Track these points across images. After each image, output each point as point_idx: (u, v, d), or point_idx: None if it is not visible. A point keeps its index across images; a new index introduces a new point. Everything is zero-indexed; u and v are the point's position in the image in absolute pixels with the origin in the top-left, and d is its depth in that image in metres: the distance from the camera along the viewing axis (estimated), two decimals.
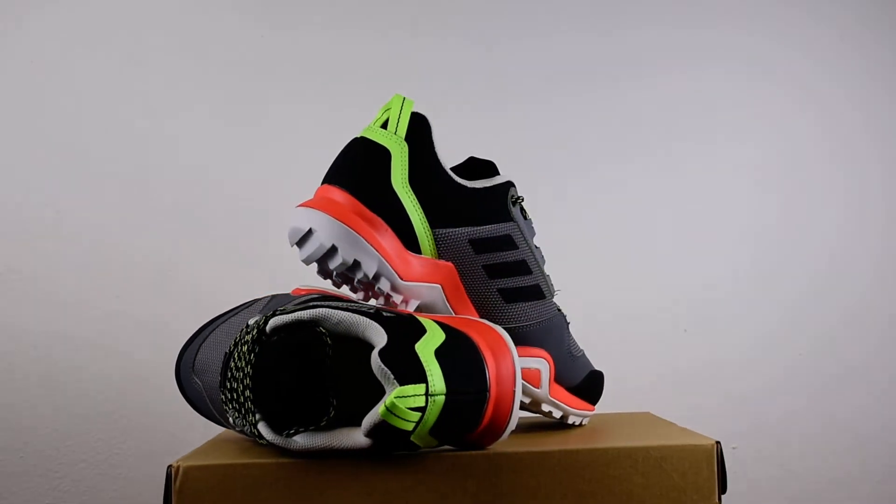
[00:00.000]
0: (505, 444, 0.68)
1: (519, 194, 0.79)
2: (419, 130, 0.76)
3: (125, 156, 1.14)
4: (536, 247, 0.79)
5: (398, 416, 0.62)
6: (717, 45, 1.26)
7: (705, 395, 1.21)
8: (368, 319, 0.66)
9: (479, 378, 0.65)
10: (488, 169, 0.80)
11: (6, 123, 1.12)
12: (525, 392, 0.77)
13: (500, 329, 0.69)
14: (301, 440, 0.65)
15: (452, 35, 1.23)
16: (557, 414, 0.78)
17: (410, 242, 0.74)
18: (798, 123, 1.26)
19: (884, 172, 1.26)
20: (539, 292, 0.78)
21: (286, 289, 0.85)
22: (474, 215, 0.76)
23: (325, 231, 0.72)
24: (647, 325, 1.22)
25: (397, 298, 0.74)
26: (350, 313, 0.66)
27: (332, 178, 0.75)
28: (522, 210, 0.79)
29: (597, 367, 0.82)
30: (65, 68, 1.14)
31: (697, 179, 1.25)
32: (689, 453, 0.65)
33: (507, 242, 0.76)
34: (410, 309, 0.74)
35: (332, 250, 0.72)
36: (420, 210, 0.74)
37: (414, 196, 0.74)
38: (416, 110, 0.77)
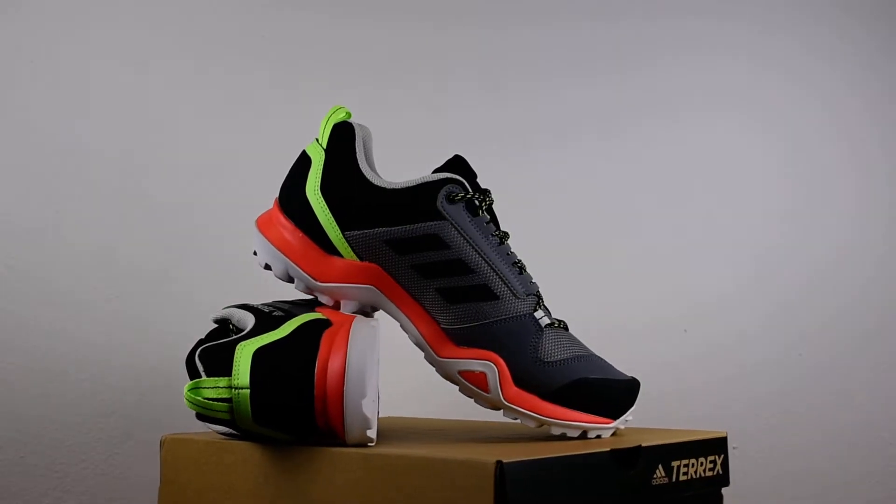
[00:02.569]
0: (377, 444, 0.72)
1: (467, 192, 0.77)
2: (339, 138, 0.79)
3: (125, 156, 1.14)
4: (501, 244, 0.78)
5: (198, 406, 0.72)
6: (718, 36, 1.27)
7: (705, 395, 1.21)
8: (253, 318, 0.76)
9: (303, 377, 0.70)
10: (459, 167, 0.79)
11: (6, 123, 1.12)
12: (478, 396, 0.76)
13: (358, 329, 0.73)
14: (221, 426, 0.76)
15: (448, 26, 1.23)
16: (530, 423, 0.76)
17: (327, 246, 0.78)
18: (800, 117, 1.26)
19: (889, 166, 1.26)
20: (488, 293, 0.76)
21: (290, 290, 0.86)
22: (390, 216, 0.76)
23: (254, 238, 0.82)
24: (647, 326, 1.22)
25: (324, 299, 0.79)
26: (246, 312, 0.78)
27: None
28: (473, 207, 0.77)
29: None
30: (65, 68, 1.14)
31: (697, 177, 1.25)
32: (469, 469, 0.64)
33: (435, 242, 0.76)
34: (346, 310, 0.79)
35: (255, 254, 0.81)
36: (329, 214, 0.77)
37: (324, 201, 0.78)
38: (351, 120, 0.80)
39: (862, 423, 1.23)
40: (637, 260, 1.23)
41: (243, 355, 0.72)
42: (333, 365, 0.71)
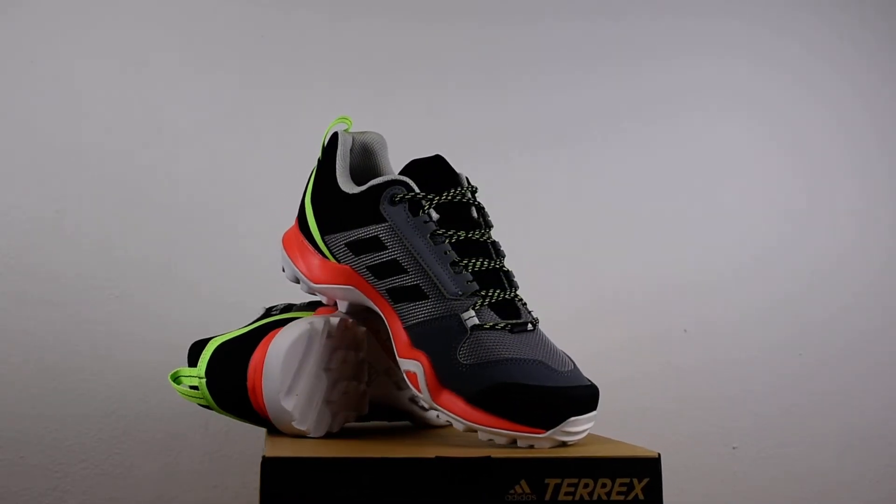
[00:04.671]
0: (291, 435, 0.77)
1: (409, 192, 0.77)
2: (327, 149, 0.84)
3: (125, 155, 1.14)
4: (443, 243, 0.76)
5: (181, 392, 0.81)
6: (718, 35, 1.27)
7: (705, 395, 1.21)
8: (259, 314, 0.84)
9: (239, 369, 0.77)
10: (426, 167, 0.79)
11: (6, 123, 1.12)
12: (418, 396, 0.76)
13: (290, 326, 0.77)
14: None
15: (448, 25, 1.23)
16: (458, 426, 0.74)
17: (319, 250, 0.82)
18: (801, 116, 1.26)
19: (889, 166, 1.26)
20: (419, 293, 0.76)
21: (288, 291, 0.86)
22: (349, 220, 0.80)
23: (280, 244, 0.87)
24: (647, 325, 1.22)
25: (323, 299, 0.84)
26: (264, 309, 0.85)
27: None
28: (420, 209, 0.77)
29: (596, 370, 0.78)
30: (65, 68, 1.14)
31: (697, 176, 1.25)
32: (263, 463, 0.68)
33: (376, 243, 0.78)
34: (340, 309, 0.83)
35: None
36: (314, 220, 0.82)
37: (311, 208, 0.83)
38: (359, 129, 0.84)
39: (862, 423, 1.23)
40: (636, 259, 1.23)
41: (209, 349, 0.80)
42: (255, 363, 0.77)
